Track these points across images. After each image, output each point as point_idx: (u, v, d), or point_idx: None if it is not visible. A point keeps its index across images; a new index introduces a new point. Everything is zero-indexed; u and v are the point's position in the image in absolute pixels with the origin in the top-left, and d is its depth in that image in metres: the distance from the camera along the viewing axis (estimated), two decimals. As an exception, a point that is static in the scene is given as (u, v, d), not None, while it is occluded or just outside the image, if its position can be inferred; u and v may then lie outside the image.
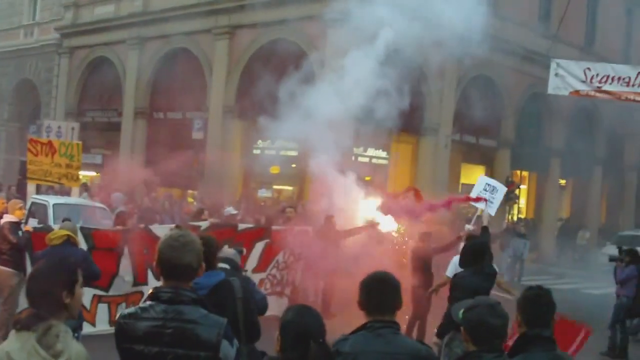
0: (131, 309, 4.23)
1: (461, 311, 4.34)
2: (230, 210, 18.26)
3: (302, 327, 3.75)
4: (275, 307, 12.69)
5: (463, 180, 29.93)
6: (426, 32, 24.57)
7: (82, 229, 10.74)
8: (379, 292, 4.54)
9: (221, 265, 7.14)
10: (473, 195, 14.70)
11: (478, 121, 29.71)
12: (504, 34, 28.03)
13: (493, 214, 15.50)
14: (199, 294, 4.29)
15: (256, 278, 12.41)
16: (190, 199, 27.58)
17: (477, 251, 8.97)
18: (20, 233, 11.55)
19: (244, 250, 7.90)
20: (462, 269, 9.06)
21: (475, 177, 31.62)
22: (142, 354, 4.01)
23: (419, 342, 4.67)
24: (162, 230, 10.98)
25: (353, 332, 4.57)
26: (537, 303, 4.76)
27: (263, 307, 6.86)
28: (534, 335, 4.64)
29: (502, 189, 14.84)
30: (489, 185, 15.29)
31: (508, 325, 4.25)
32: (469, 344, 4.22)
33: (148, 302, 4.17)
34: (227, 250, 7.55)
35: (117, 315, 4.31)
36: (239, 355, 4.19)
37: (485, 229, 10.26)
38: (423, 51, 25.33)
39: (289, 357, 3.70)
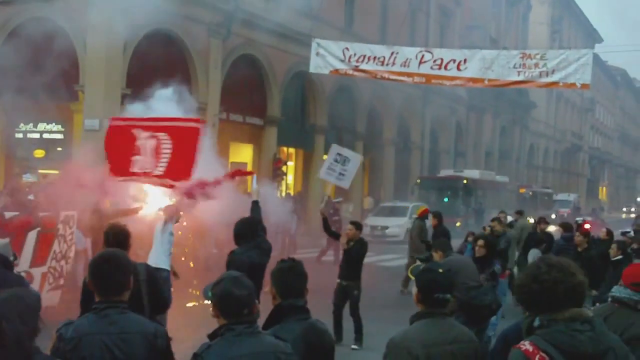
0: None
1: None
2: None
3: None
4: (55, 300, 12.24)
5: (232, 158, 30.29)
6: (188, 9, 24.70)
7: None
8: (104, 272, 4.49)
9: None
10: (325, 165, 14.43)
11: (244, 100, 30.21)
12: (267, 14, 28.57)
13: (347, 186, 15.44)
14: None
15: (37, 272, 11.86)
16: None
17: (249, 227, 8.93)
18: None
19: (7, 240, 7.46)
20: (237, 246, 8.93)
21: (244, 156, 32.37)
22: None
23: (150, 320, 4.63)
24: None
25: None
26: (290, 274, 4.89)
27: None
28: (288, 306, 4.78)
29: (356, 159, 14.63)
30: (340, 155, 15.17)
31: (254, 295, 4.30)
32: (219, 318, 4.23)
33: None
34: None
35: None
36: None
37: (255, 204, 10.27)
38: (187, 29, 25.46)
39: None
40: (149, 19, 23.55)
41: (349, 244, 12.59)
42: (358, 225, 12.99)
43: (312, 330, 4.80)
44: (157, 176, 11.05)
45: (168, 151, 10.95)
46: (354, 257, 12.57)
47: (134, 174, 11.19)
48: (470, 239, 15.50)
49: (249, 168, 15.93)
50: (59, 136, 25.60)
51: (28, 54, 21.36)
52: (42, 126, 25.80)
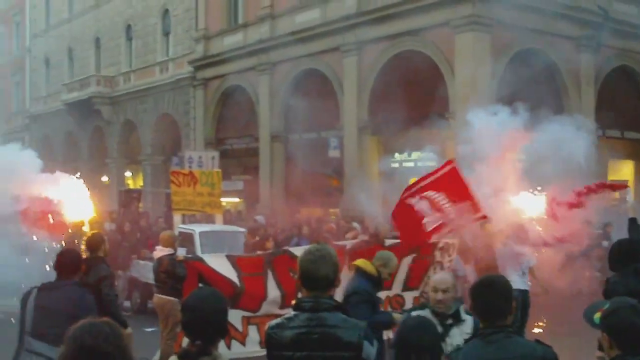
0: (278, 320, 4.67)
1: (597, 315, 4.20)
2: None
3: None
4: None
5: (610, 176, 28.72)
6: (555, 25, 23.98)
7: (227, 257, 10.78)
8: (485, 297, 4.58)
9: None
10: None
11: (621, 114, 28.55)
12: (637, 20, 26.92)
13: None
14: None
15: (409, 296, 12.09)
16: (333, 217, 27.62)
17: (628, 250, 8.08)
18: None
19: None
20: (613, 273, 8.11)
21: (624, 173, 30.53)
22: (292, 358, 4.46)
23: (537, 341, 4.54)
24: (300, 252, 10.97)
25: (467, 341, 4.71)
26: None
27: None
28: None
29: None
30: None
31: None
32: (611, 349, 3.98)
33: (292, 312, 4.61)
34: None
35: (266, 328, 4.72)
36: (381, 354, 4.68)
37: (633, 222, 9.11)
38: (554, 46, 24.70)
39: None
40: (514, 40, 23.26)
41: None
42: None
43: None
44: (454, 221, 10.83)
45: (445, 201, 10.85)
46: None
47: (433, 231, 11.02)
48: None
49: (630, 185, 14.65)
50: (433, 164, 25.99)
51: (399, 86, 21.98)
52: (415, 155, 26.39)
